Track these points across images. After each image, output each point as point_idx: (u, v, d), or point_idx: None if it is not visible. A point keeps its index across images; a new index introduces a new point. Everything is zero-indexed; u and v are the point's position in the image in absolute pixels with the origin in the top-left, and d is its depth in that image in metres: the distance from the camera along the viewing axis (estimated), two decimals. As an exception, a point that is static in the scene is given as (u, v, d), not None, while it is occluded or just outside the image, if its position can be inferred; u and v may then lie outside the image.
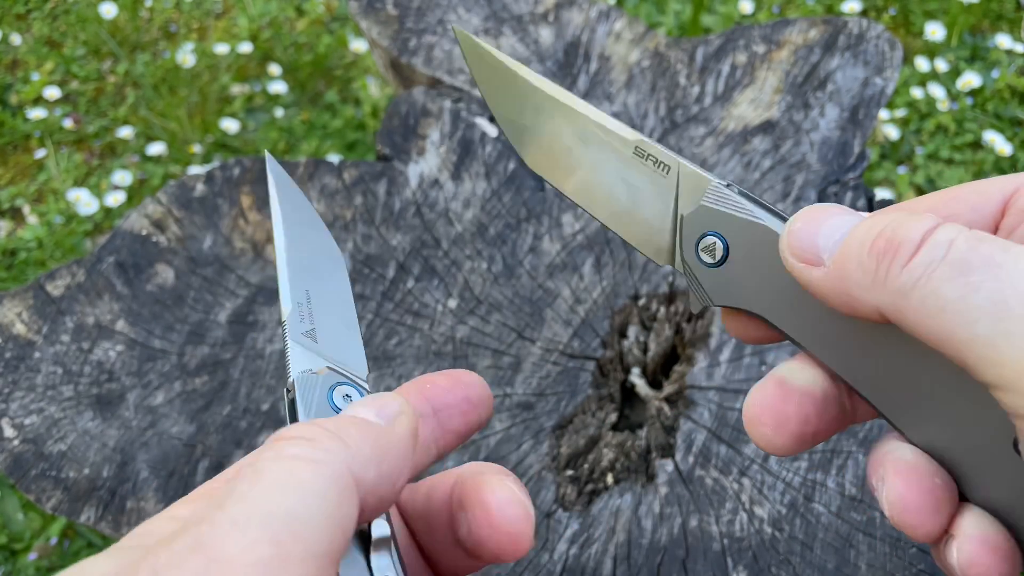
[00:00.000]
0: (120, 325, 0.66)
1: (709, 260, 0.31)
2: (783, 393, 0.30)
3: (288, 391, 0.29)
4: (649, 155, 0.33)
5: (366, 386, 0.30)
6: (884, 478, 0.28)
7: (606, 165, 0.34)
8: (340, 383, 0.29)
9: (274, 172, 0.35)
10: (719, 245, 0.31)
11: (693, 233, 0.31)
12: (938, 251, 0.24)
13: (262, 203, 0.72)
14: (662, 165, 0.32)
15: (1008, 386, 0.23)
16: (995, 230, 0.29)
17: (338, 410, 0.28)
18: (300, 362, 0.30)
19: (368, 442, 0.23)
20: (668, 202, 0.32)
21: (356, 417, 0.25)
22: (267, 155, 0.36)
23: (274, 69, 1.76)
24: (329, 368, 0.29)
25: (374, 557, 0.25)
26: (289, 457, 0.21)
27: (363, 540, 0.25)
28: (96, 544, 1.17)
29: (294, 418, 0.28)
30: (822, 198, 0.72)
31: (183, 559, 0.19)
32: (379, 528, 0.25)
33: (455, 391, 0.30)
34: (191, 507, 0.23)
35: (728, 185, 0.31)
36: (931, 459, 0.28)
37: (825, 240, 0.27)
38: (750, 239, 0.30)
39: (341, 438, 0.23)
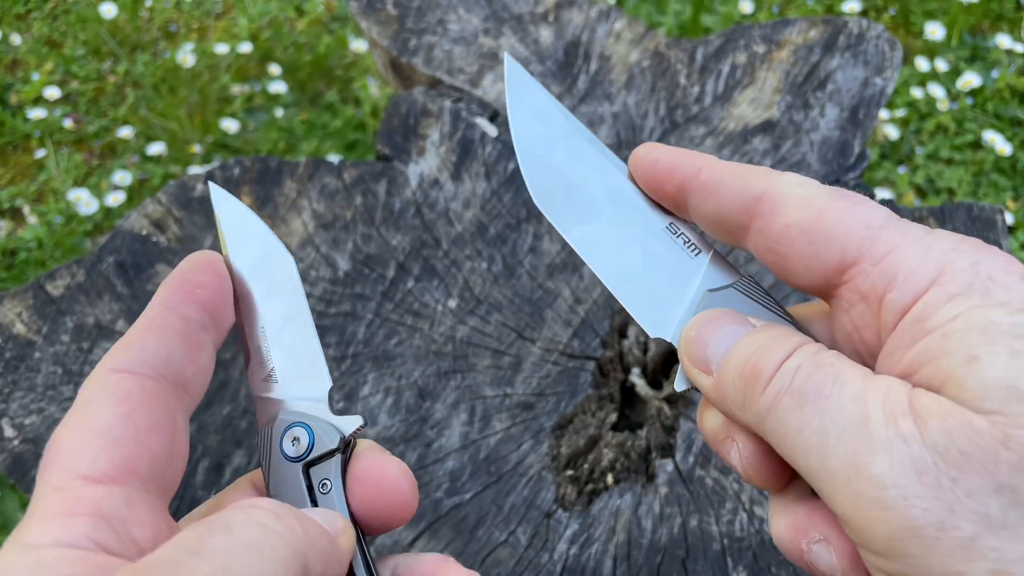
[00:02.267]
0: (120, 325, 0.66)
1: None
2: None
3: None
4: (682, 234, 0.33)
5: (321, 416, 0.31)
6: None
7: (629, 228, 0.33)
8: (290, 427, 0.30)
9: (216, 195, 0.35)
10: None
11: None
12: (785, 379, 0.25)
13: (262, 203, 0.72)
14: (693, 247, 0.33)
15: (842, 518, 0.24)
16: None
17: (288, 457, 0.30)
18: (261, 415, 0.31)
19: (322, 540, 0.25)
20: (690, 280, 0.32)
21: (312, 518, 0.27)
22: (211, 184, 0.35)
23: (274, 69, 1.77)
24: (281, 415, 0.31)
25: None
26: (258, 524, 0.23)
27: None
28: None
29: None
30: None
31: None
32: None
33: (222, 286, 0.31)
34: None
35: (757, 282, 0.32)
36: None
37: (714, 351, 0.28)
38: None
39: (302, 525, 0.24)
